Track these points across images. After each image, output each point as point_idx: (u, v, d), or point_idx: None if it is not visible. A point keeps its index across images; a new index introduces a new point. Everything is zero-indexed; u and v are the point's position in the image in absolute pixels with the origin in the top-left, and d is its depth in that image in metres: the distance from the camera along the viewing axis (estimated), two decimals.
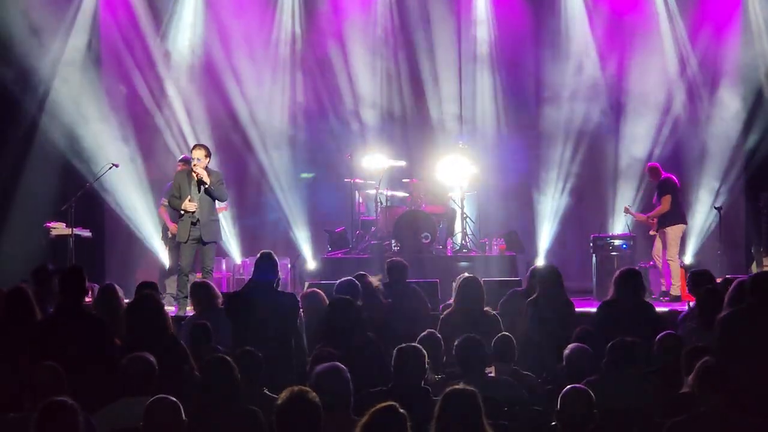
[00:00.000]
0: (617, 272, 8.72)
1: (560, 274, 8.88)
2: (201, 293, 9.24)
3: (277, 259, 8.51)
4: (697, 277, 9.02)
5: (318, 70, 16.27)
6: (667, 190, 13.61)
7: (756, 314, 7.16)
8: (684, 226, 13.84)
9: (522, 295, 9.32)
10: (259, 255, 8.52)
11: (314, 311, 8.91)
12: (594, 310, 9.27)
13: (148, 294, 7.56)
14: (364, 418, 4.65)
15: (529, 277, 9.62)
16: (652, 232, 14.03)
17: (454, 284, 9.32)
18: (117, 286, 8.79)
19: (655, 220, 13.80)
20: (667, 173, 13.89)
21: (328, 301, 8.82)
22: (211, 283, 9.72)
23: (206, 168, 11.70)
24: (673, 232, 13.58)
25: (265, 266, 8.36)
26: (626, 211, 14.60)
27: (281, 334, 7.90)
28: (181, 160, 13.63)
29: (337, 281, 9.18)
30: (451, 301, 9.32)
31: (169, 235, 13.57)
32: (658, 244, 13.82)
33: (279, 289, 8.82)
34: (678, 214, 13.68)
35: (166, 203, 13.54)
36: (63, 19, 15.01)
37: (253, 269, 8.81)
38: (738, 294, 7.62)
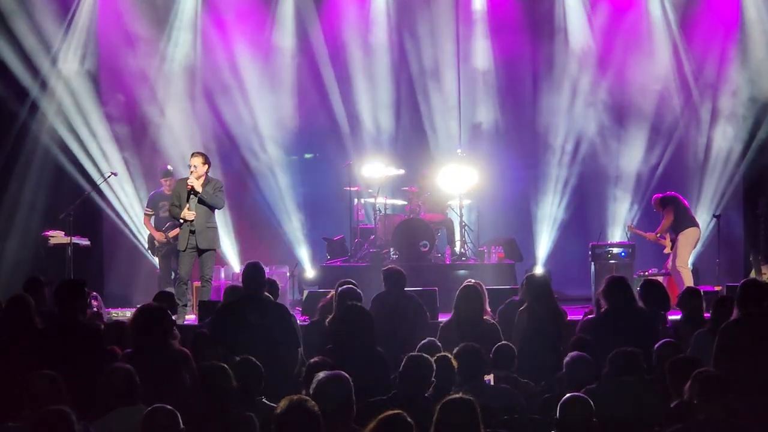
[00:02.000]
0: (603, 283, 8.67)
1: (549, 283, 8.87)
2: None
3: (263, 267, 8.46)
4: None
5: (316, 79, 16.25)
6: (666, 204, 13.59)
7: (747, 323, 7.17)
8: (697, 229, 13.68)
9: (518, 304, 9.32)
10: (245, 266, 8.49)
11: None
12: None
13: (154, 304, 7.57)
14: (371, 425, 4.63)
15: (522, 286, 9.61)
16: (666, 251, 13.89)
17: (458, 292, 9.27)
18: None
19: (668, 237, 13.74)
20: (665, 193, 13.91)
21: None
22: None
23: (206, 175, 11.72)
24: (685, 237, 13.48)
25: (252, 277, 8.32)
26: (629, 229, 14.57)
27: (272, 343, 7.84)
28: (165, 175, 13.66)
29: (338, 291, 9.17)
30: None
31: (156, 245, 13.56)
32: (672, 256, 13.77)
33: (278, 298, 8.82)
34: (687, 219, 13.62)
35: (150, 212, 13.58)
36: (60, 28, 15.02)
37: (241, 281, 8.74)
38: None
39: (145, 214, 13.79)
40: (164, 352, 6.90)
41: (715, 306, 8.24)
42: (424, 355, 6.52)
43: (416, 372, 6.29)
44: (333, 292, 9.29)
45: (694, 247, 13.84)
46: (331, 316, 8.75)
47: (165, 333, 7.09)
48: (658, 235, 13.88)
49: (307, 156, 16.35)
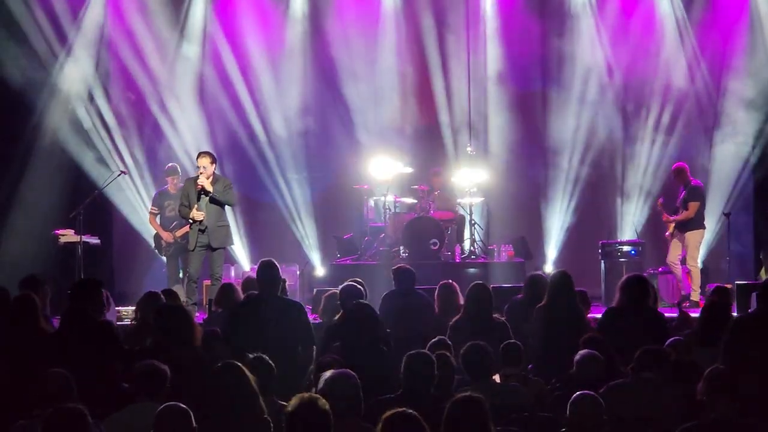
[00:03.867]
0: (623, 278, 8.69)
1: (571, 281, 8.83)
2: (229, 295, 9.27)
3: (278, 265, 8.46)
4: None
5: (327, 77, 16.26)
6: (696, 197, 13.51)
7: (764, 320, 7.15)
8: (704, 231, 13.77)
9: (523, 303, 9.29)
10: (259, 264, 8.49)
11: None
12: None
13: (178, 305, 7.60)
14: (378, 427, 4.64)
15: (526, 284, 9.57)
16: (668, 234, 13.78)
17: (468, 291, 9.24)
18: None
19: (673, 223, 13.65)
20: (695, 179, 13.82)
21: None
22: (236, 287, 9.74)
23: (213, 174, 11.75)
24: (694, 237, 13.50)
25: (267, 276, 8.32)
26: (660, 205, 14.19)
27: (286, 342, 7.83)
28: (170, 173, 13.68)
29: (340, 287, 9.17)
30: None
31: (163, 244, 13.58)
32: (675, 249, 13.65)
33: (288, 296, 8.80)
34: (701, 219, 13.63)
35: (156, 211, 13.61)
36: (71, 26, 15.06)
37: (256, 279, 8.73)
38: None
39: (151, 213, 13.79)
40: (186, 353, 6.91)
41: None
42: (422, 351, 6.52)
43: (417, 369, 6.29)
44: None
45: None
46: (339, 315, 8.77)
47: (187, 335, 7.12)
48: (675, 220, 13.63)
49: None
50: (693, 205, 13.48)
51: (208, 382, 5.88)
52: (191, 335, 7.16)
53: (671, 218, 13.74)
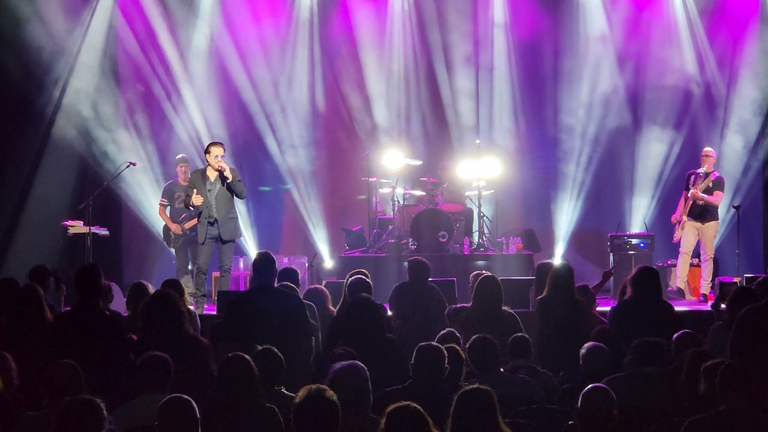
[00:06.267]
0: (634, 271, 8.67)
1: (571, 274, 8.80)
2: None
3: (274, 257, 8.40)
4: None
5: (336, 69, 16.25)
6: (722, 187, 13.44)
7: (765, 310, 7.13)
8: (719, 223, 13.75)
9: (537, 292, 9.28)
10: (255, 256, 8.44)
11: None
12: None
13: (166, 292, 7.55)
14: (383, 420, 4.63)
15: (536, 274, 9.56)
16: (686, 220, 13.53)
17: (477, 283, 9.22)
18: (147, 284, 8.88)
19: (686, 208, 13.43)
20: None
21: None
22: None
23: None
24: (712, 228, 13.43)
25: (263, 268, 8.28)
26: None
27: (287, 336, 7.77)
28: (180, 162, 13.69)
29: (347, 281, 9.15)
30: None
31: (172, 236, 13.60)
32: (692, 238, 13.43)
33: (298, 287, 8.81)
34: (718, 211, 13.58)
35: (166, 203, 13.63)
36: (80, 18, 15.05)
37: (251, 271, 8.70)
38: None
39: (161, 204, 13.81)
40: (175, 339, 6.91)
41: None
42: (434, 343, 6.52)
43: (428, 361, 6.30)
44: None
45: None
46: (339, 306, 8.78)
47: (175, 324, 7.12)
48: (694, 199, 13.42)
49: (285, 187, 16.29)
50: (720, 194, 13.40)
51: (216, 374, 5.90)
52: (179, 323, 7.16)
53: (703, 196, 13.30)
